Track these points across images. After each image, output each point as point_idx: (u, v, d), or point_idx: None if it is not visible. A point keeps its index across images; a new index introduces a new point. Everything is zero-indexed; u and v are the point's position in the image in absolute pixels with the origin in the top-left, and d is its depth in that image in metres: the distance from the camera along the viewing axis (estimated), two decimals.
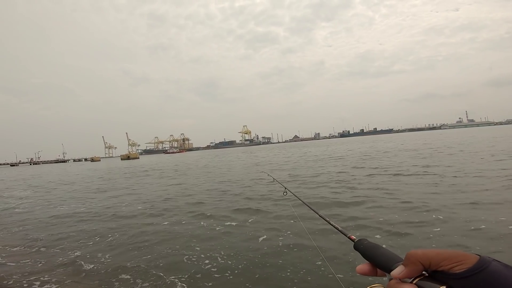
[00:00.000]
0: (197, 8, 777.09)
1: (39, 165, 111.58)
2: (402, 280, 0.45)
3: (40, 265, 4.25)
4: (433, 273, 0.43)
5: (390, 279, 0.47)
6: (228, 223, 5.65)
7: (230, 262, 3.80)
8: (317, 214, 1.04)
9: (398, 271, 0.46)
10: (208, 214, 6.43)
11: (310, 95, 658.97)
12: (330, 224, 0.87)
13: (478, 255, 0.41)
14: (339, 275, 3.07)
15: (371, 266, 0.55)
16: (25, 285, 3.61)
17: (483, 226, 4.27)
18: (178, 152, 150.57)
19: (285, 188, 1.82)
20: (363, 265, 0.56)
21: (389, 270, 0.49)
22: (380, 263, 0.53)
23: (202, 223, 5.79)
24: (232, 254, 4.05)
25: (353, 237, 0.67)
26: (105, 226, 6.14)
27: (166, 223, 6.03)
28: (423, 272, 0.44)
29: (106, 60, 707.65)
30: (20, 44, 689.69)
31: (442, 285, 0.41)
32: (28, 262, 4.37)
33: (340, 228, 0.80)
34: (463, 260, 0.41)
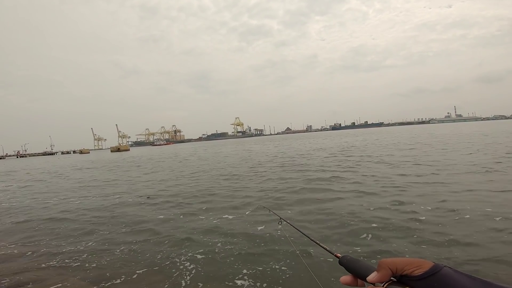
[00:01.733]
0: (190, 0, 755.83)
1: (26, 157, 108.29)
2: (375, 285, 0.57)
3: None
4: (400, 278, 0.54)
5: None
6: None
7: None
8: (309, 238, 1.14)
9: (372, 276, 0.58)
10: None
11: (302, 88, 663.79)
12: (319, 245, 0.99)
13: (434, 262, 0.52)
14: None
15: (352, 277, 0.65)
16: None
17: None
18: (166, 144, 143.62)
19: (280, 218, 1.77)
20: (345, 277, 0.65)
21: (365, 278, 0.60)
22: (359, 273, 0.63)
23: None
24: None
25: (339, 254, 0.76)
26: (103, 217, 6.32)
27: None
28: (392, 278, 0.55)
29: (95, 52, 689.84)
30: (6, 36, 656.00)
31: (405, 287, 0.53)
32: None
33: (328, 248, 0.92)
34: (421, 265, 0.52)
